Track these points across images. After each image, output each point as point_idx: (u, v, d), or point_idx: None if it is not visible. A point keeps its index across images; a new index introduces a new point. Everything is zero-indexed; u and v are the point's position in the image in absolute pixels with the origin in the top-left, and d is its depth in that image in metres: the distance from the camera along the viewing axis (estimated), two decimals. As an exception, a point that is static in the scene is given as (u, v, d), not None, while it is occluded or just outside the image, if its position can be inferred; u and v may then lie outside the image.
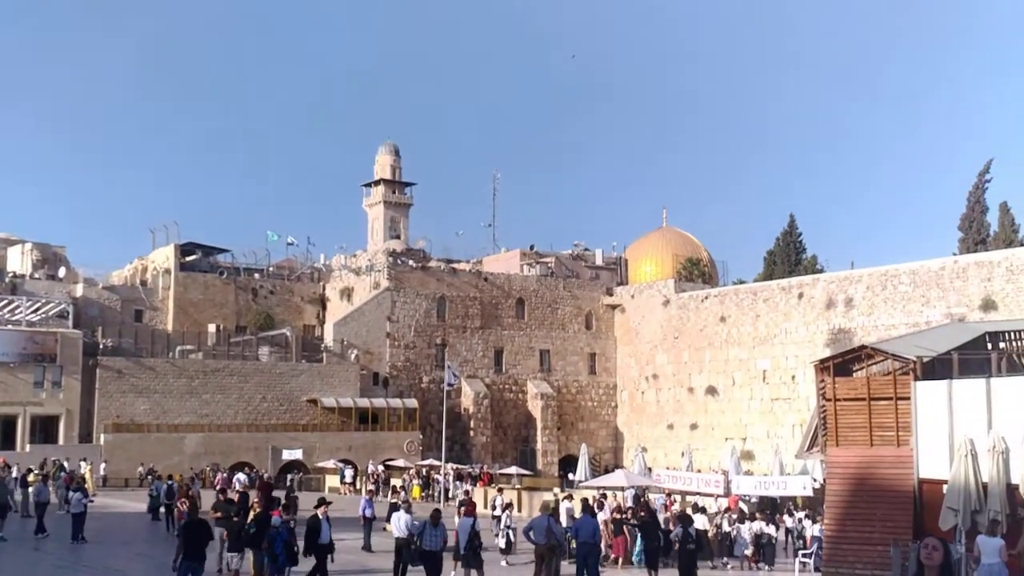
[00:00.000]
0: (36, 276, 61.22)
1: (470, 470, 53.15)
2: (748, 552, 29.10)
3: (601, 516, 27.14)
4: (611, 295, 72.42)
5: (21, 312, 54.65)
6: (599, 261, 76.02)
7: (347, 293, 66.99)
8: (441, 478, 45.99)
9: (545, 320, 69.58)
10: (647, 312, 69.56)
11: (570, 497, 30.53)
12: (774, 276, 74.06)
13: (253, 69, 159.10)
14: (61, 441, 52.46)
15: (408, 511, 22.54)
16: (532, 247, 75.09)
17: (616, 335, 71.92)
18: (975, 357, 24.05)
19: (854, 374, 34.26)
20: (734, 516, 30.89)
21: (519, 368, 68.01)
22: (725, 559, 29.22)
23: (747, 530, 29.54)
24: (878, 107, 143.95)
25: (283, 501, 23.51)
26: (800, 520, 32.27)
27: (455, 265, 71.85)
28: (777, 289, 61.91)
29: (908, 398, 22.83)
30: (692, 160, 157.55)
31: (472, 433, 63.99)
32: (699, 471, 46.33)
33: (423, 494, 47.70)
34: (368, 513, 28.57)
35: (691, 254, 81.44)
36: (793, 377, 60.10)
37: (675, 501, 37.38)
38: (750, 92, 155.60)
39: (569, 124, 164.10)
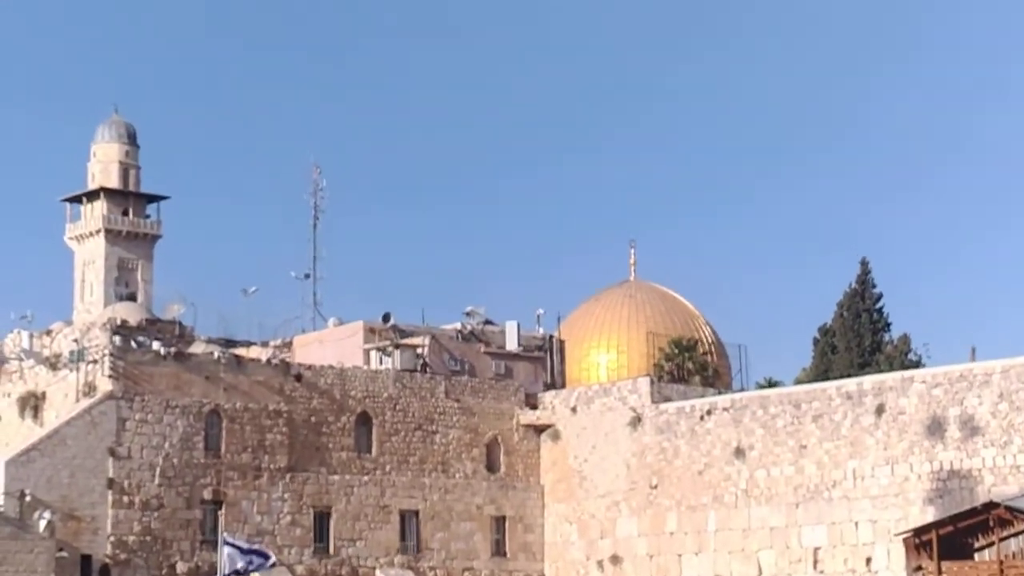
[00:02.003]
0: None
1: None
2: None
3: None
4: (535, 407, 72.34)
5: None
6: (512, 344, 76.05)
7: (33, 404, 65.73)
8: None
9: (411, 455, 69.14)
10: (601, 439, 69.59)
11: None
12: (832, 373, 74.85)
13: None
14: None
15: None
16: (386, 317, 74.78)
17: (545, 483, 71.76)
18: None
19: (977, 555, 34.63)
20: None
21: (362, 546, 67.36)
22: None
23: None
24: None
25: None
26: None
27: (240, 351, 70.76)
28: (838, 397, 62.63)
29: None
30: (680, 162, 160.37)
31: (271, 671, 62.99)
32: None
33: None
34: None
35: (680, 332, 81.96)
36: (868, 561, 60.45)
37: None
38: (783, 50, 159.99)
39: (456, 93, 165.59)
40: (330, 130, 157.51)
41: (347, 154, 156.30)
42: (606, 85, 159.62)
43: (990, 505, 46.34)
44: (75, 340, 67.84)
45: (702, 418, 66.49)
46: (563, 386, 75.24)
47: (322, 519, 66.61)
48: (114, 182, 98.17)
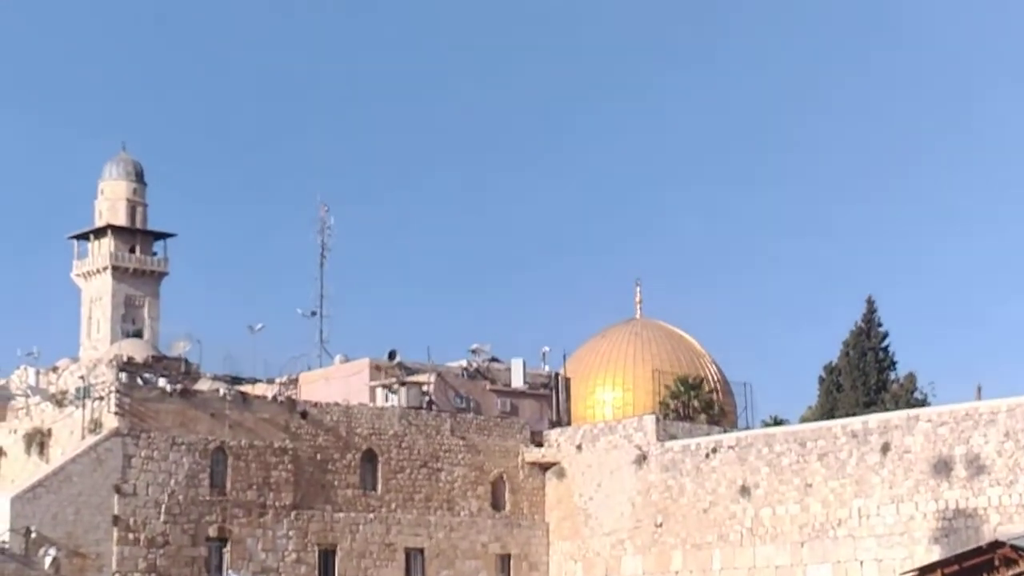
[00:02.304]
0: None
1: None
2: None
3: None
4: (540, 445, 72.43)
5: None
6: (517, 382, 76.04)
7: (39, 440, 65.67)
8: None
9: (416, 492, 69.17)
10: (607, 477, 69.66)
11: None
12: (837, 411, 74.78)
13: None
14: None
15: None
16: (392, 355, 74.82)
17: (550, 520, 71.78)
18: None
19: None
20: None
21: (367, 583, 67.47)
22: None
23: None
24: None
25: None
26: None
27: (247, 388, 70.92)
28: (843, 435, 62.66)
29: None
30: (686, 200, 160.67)
31: None
32: None
33: None
34: None
35: (686, 370, 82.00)
36: (874, 599, 60.58)
37: None
38: (787, 84, 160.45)
39: (464, 129, 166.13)
40: (338, 168, 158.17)
41: (354, 192, 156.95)
42: (612, 122, 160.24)
43: (995, 544, 46.25)
44: (81, 377, 67.89)
45: (707, 456, 66.51)
46: (568, 424, 75.13)
47: (327, 557, 66.47)
48: (121, 219, 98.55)
